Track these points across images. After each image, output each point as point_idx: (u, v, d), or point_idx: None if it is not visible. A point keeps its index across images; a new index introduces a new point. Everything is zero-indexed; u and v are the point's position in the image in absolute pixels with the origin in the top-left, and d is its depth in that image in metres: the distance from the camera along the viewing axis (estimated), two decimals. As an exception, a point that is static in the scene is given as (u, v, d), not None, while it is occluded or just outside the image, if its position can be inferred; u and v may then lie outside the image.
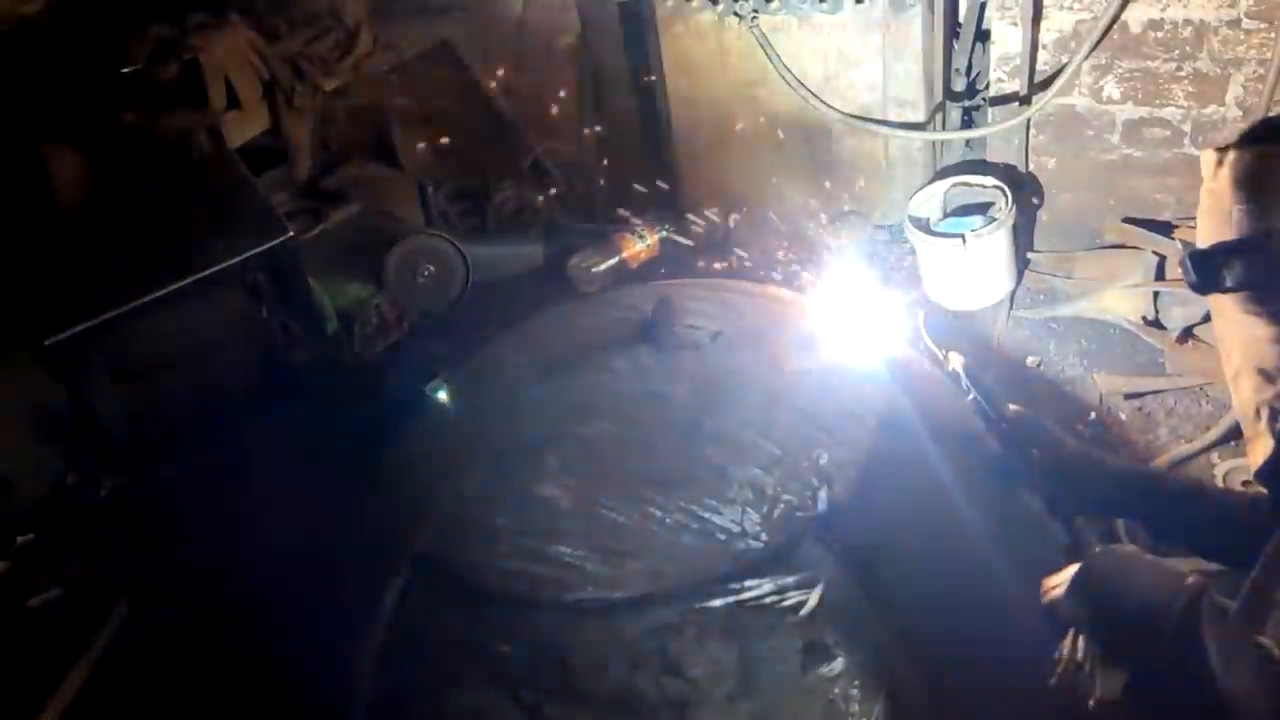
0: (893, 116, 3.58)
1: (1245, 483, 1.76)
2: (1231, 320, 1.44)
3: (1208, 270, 1.38)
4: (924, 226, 3.45)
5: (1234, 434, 2.75)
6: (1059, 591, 1.78)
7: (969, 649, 1.83)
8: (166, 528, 3.02)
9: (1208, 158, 1.43)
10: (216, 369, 3.28)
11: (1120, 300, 3.45)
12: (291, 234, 3.15)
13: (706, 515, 1.81)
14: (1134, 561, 1.68)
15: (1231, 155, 1.38)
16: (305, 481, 2.90)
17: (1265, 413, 1.46)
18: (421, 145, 4.26)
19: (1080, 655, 1.71)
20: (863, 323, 2.27)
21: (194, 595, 2.81)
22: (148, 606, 2.80)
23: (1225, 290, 1.38)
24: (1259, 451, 1.50)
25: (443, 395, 2.38)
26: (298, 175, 3.98)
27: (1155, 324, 3.37)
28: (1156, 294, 3.37)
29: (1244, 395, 1.47)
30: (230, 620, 2.68)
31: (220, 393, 3.26)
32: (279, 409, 3.26)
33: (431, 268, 3.89)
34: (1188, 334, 3.24)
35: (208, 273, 3.03)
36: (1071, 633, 1.77)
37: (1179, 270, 3.43)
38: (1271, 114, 3.06)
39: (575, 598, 1.78)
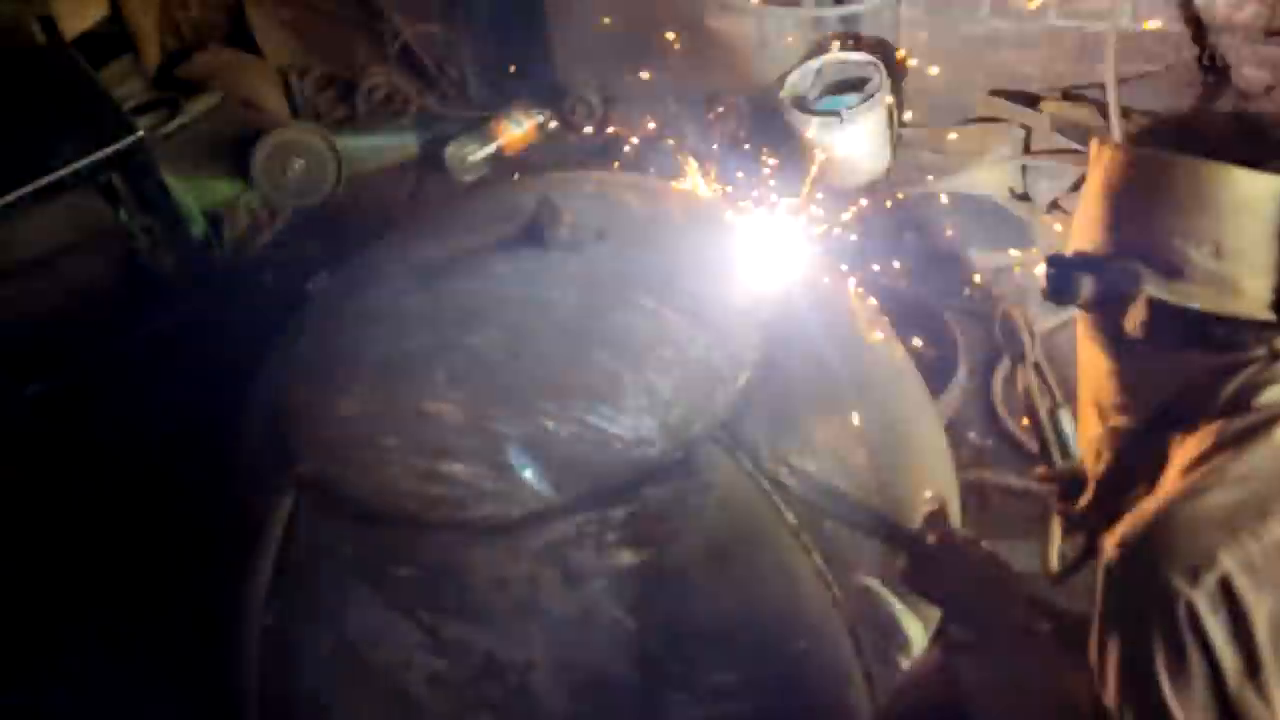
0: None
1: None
2: (1080, 340, 1.35)
3: (1063, 279, 1.27)
4: (802, 105, 3.44)
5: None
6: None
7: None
8: (29, 449, 2.90)
9: (1092, 148, 1.29)
10: (74, 278, 3.11)
11: (989, 174, 3.52)
12: (141, 134, 2.96)
13: (602, 423, 1.79)
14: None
15: (1108, 153, 1.23)
16: (175, 397, 2.80)
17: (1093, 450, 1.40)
18: (281, 28, 4.04)
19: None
20: (752, 216, 2.25)
21: (57, 518, 2.71)
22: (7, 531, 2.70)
23: (1077, 305, 1.28)
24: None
25: (320, 302, 2.28)
26: (146, 64, 3.74)
27: (1023, 197, 3.45)
28: (1024, 167, 3.44)
29: (1089, 430, 1.39)
30: (97, 545, 2.60)
31: (81, 303, 3.11)
32: (145, 318, 3.12)
33: (301, 161, 3.73)
34: (1054, 206, 3.32)
35: (52, 178, 2.83)
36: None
37: (1044, 143, 3.52)
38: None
39: (471, 516, 1.75)
